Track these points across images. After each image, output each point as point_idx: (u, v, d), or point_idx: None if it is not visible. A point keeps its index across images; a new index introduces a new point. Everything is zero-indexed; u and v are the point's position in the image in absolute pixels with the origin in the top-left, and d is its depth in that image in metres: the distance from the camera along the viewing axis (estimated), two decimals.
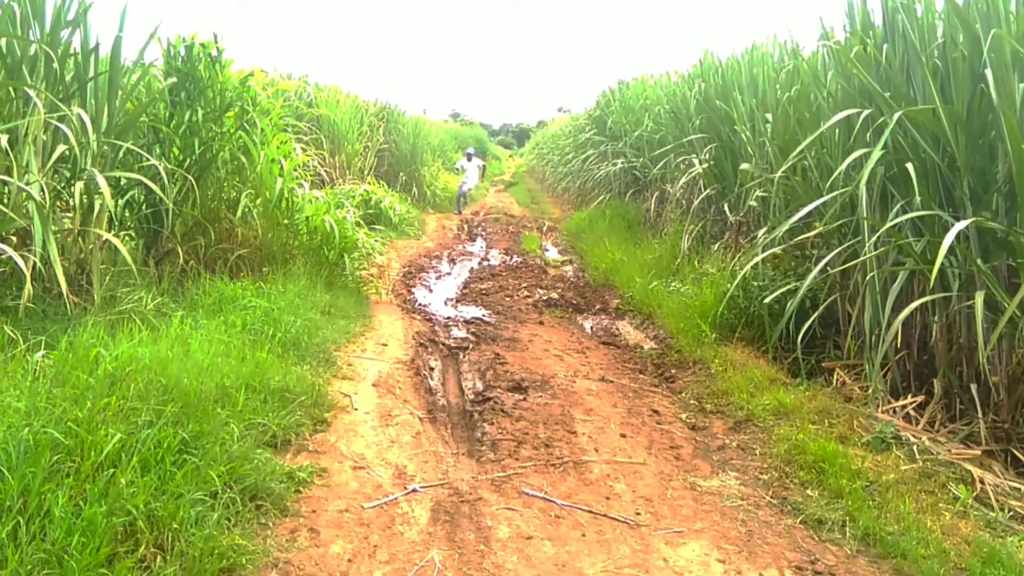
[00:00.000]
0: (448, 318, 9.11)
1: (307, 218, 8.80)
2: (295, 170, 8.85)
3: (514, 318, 9.08)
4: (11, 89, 5.76)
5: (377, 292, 9.66)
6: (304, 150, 10.22)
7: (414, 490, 4.42)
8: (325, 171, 17.93)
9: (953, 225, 4.71)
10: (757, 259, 7.01)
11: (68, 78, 6.28)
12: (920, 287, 5.79)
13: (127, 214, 7.29)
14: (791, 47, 9.12)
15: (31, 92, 5.60)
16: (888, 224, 5.43)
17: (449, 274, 12.64)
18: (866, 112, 5.91)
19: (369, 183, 17.25)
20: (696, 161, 11.01)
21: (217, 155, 7.69)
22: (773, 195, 8.25)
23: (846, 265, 6.10)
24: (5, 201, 5.40)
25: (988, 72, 4.88)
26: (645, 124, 15.21)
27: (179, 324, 5.68)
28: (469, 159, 23.54)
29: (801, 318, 6.23)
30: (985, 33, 5.05)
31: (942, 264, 5.22)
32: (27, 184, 5.30)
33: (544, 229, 18.71)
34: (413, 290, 10.81)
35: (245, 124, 8.06)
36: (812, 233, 6.46)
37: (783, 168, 7.21)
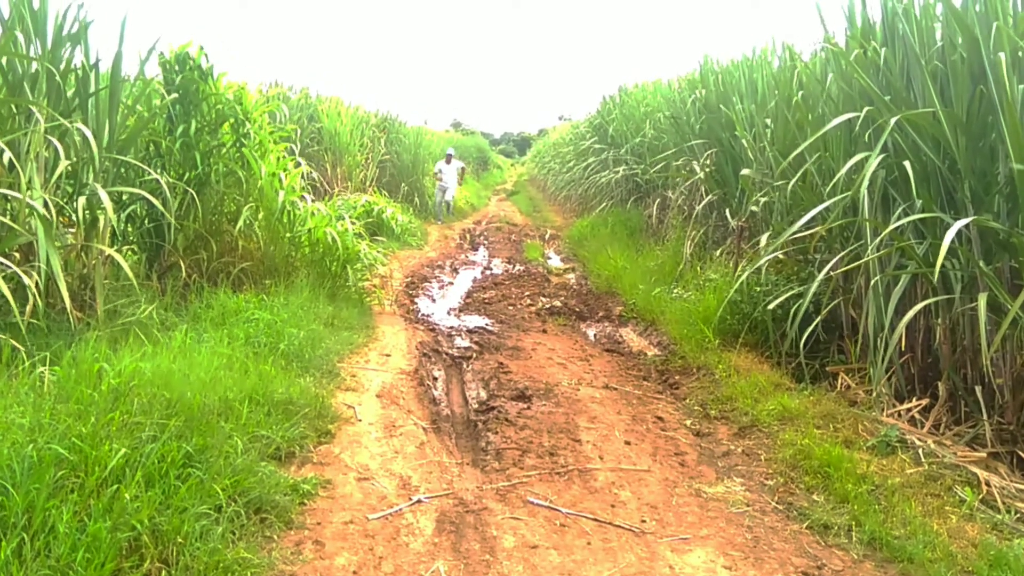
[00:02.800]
0: (451, 328, 9.11)
1: (309, 230, 8.81)
2: (296, 185, 8.85)
3: (517, 327, 9.08)
4: (13, 106, 5.78)
5: (380, 303, 9.66)
6: (305, 162, 10.22)
7: (419, 501, 4.41)
8: (326, 182, 17.98)
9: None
10: (758, 264, 7.01)
11: (69, 94, 6.31)
12: (923, 290, 5.79)
13: (129, 228, 7.31)
14: (786, 50, 9.15)
15: (34, 108, 5.62)
16: (890, 228, 5.43)
17: (452, 284, 12.64)
18: (866, 110, 5.91)
19: (371, 194, 17.28)
20: (697, 167, 11.02)
21: (213, 168, 7.70)
22: (775, 200, 8.26)
23: (850, 265, 6.09)
24: (8, 217, 5.41)
25: (990, 72, 4.89)
26: (646, 131, 15.22)
27: (182, 338, 5.69)
28: (448, 161, 21.63)
29: (804, 322, 6.22)
30: (984, 36, 5.06)
31: (944, 267, 5.23)
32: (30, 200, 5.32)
33: (546, 237, 18.72)
34: (416, 300, 10.81)
35: (241, 137, 8.07)
36: (811, 231, 6.44)
37: (781, 169, 7.21)
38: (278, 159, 8.67)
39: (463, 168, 23.59)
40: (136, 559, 3.30)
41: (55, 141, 5.72)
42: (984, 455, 4.83)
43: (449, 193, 21.62)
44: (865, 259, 5.82)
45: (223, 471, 4.02)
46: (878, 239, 5.69)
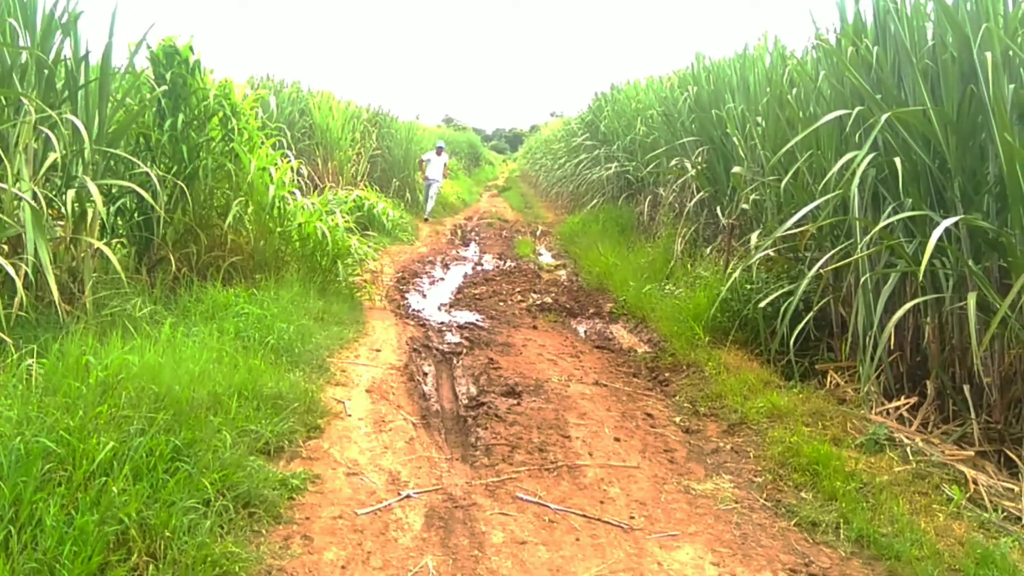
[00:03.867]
0: (442, 323, 9.10)
1: (299, 225, 8.79)
2: (286, 179, 8.81)
3: (508, 323, 9.08)
4: (2, 97, 5.75)
5: (370, 298, 9.65)
6: (295, 157, 10.20)
7: (408, 496, 4.41)
8: (317, 177, 17.93)
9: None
10: (749, 262, 7.02)
11: (59, 86, 6.27)
12: (912, 289, 5.80)
13: (119, 222, 7.28)
14: (775, 49, 9.17)
15: (24, 100, 5.59)
16: (880, 225, 5.45)
17: (443, 279, 12.63)
18: (858, 109, 5.92)
19: (362, 189, 17.25)
20: (688, 164, 11.03)
21: (202, 163, 7.66)
22: (766, 198, 8.27)
23: (839, 262, 6.09)
24: None
25: (980, 71, 4.91)
26: (638, 128, 15.22)
27: (171, 331, 5.66)
28: (439, 153, 20.76)
29: (794, 320, 6.23)
30: (974, 34, 5.07)
31: (934, 265, 5.26)
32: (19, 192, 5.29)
33: (538, 233, 18.71)
34: (407, 295, 10.80)
35: (229, 132, 8.03)
36: (801, 229, 6.45)
37: (771, 165, 7.22)
38: (267, 154, 8.64)
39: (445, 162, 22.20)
40: (123, 552, 3.29)
41: (49, 132, 5.69)
42: (972, 454, 4.85)
43: (435, 187, 20.81)
44: (855, 257, 5.83)
45: (212, 465, 4.01)
46: (868, 237, 5.71)
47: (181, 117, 7.49)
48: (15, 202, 5.36)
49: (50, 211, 6.17)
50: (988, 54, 4.86)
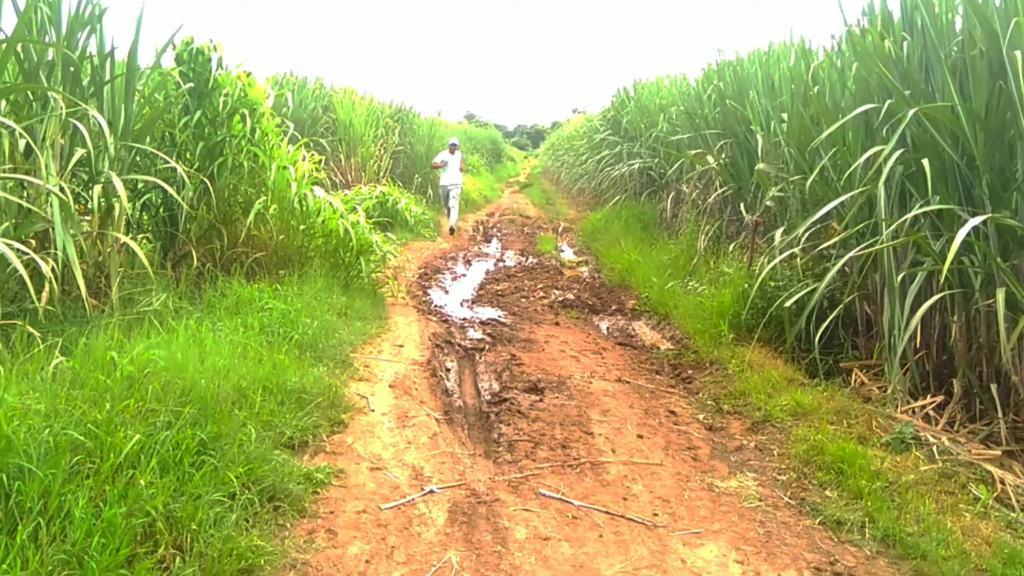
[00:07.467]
0: (464, 319, 9.11)
1: (323, 221, 8.81)
2: (305, 175, 8.81)
3: (530, 319, 9.07)
4: (29, 93, 5.80)
5: (393, 294, 9.68)
6: (319, 152, 10.22)
7: (431, 491, 4.42)
8: (341, 173, 17.98)
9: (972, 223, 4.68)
10: (778, 259, 6.97)
11: (84, 82, 6.32)
12: (939, 287, 5.75)
13: (144, 217, 7.33)
14: (799, 45, 9.12)
15: (52, 95, 5.63)
16: (906, 217, 5.40)
17: (465, 275, 12.65)
18: (888, 103, 5.87)
19: (385, 184, 17.27)
20: (711, 159, 10.97)
21: (220, 161, 7.68)
22: (790, 195, 8.22)
23: (864, 251, 6.02)
24: (25, 204, 5.43)
25: (1009, 67, 4.85)
26: (660, 125, 15.17)
27: (196, 326, 5.70)
28: (452, 151, 17.66)
29: (820, 318, 6.19)
30: (1003, 30, 5.02)
31: (962, 263, 5.21)
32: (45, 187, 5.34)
33: (559, 230, 18.69)
34: (429, 291, 10.82)
35: (248, 130, 8.04)
36: (833, 240, 6.42)
37: (796, 162, 7.16)
38: (286, 152, 8.65)
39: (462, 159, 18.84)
40: (151, 545, 3.32)
41: (80, 125, 5.74)
42: (999, 453, 4.81)
43: (456, 191, 17.63)
44: (879, 247, 5.74)
45: (237, 459, 4.04)
46: (892, 227, 5.65)
47: (199, 114, 7.52)
48: (43, 197, 5.41)
49: (77, 206, 6.23)
50: (1018, 52, 4.80)
